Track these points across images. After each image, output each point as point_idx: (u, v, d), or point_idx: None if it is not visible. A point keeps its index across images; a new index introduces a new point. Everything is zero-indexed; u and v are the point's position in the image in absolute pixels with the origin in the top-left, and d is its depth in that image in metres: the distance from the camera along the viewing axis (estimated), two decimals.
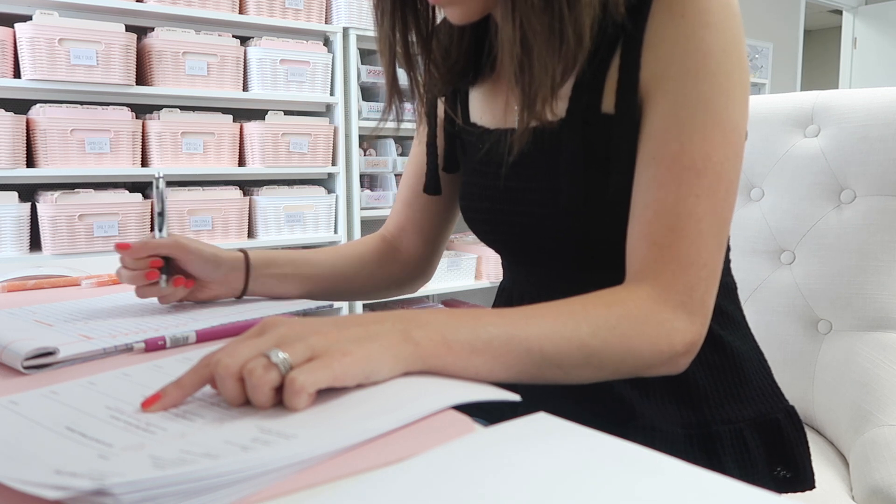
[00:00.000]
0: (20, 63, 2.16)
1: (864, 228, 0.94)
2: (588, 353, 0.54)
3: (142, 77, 2.38)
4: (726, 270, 0.76)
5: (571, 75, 0.66)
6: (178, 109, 2.41)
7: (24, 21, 2.13)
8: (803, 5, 5.40)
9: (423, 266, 0.93)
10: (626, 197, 0.64)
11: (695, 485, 0.33)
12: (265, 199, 2.59)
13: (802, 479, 0.72)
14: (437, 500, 0.32)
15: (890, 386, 0.88)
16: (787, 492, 0.72)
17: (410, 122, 0.80)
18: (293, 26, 2.63)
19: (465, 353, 0.49)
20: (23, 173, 2.15)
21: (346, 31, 2.75)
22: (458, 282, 3.02)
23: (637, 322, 0.57)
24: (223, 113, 2.52)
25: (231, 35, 2.52)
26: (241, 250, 0.77)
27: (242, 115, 2.66)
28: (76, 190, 2.23)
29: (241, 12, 2.56)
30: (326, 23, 2.76)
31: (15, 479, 0.33)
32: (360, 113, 2.78)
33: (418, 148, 0.89)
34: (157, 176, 0.73)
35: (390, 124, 0.75)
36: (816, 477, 0.74)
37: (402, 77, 0.74)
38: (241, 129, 2.58)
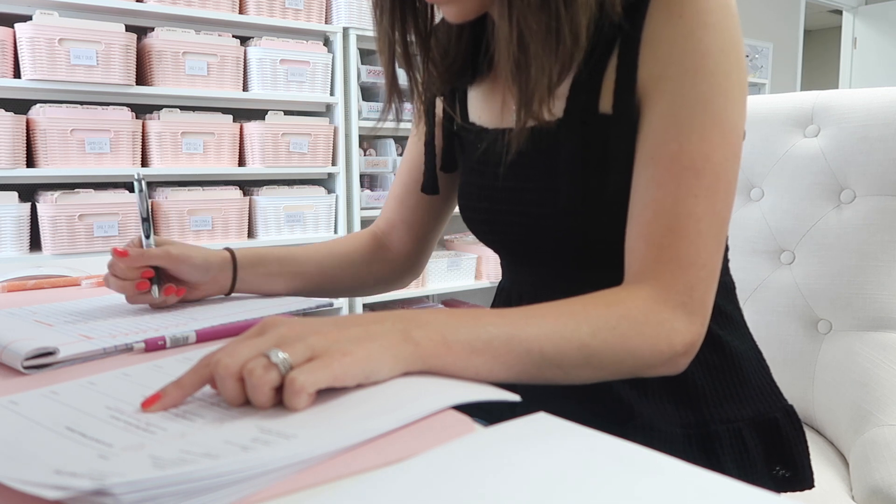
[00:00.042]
0: (20, 63, 2.16)
1: (864, 228, 0.94)
2: (588, 354, 0.54)
3: (142, 77, 2.38)
4: (725, 270, 0.76)
5: (569, 75, 0.66)
6: (178, 109, 2.41)
7: (24, 21, 2.13)
8: (803, 5, 5.40)
9: (411, 264, 0.93)
10: (625, 197, 0.64)
11: (694, 484, 0.33)
12: (265, 199, 2.59)
13: (801, 479, 0.72)
14: (437, 500, 0.32)
15: (890, 386, 0.88)
16: (786, 491, 0.72)
17: (409, 121, 0.80)
18: (293, 26, 2.63)
19: (465, 353, 0.49)
20: (23, 173, 2.15)
21: (346, 31, 2.75)
22: (458, 282, 3.02)
23: (637, 322, 0.57)
24: (223, 113, 2.52)
25: (231, 35, 2.52)
26: (228, 250, 0.78)
27: (242, 115, 2.66)
28: (76, 190, 2.23)
29: (241, 12, 2.56)
30: (326, 23, 2.77)
31: (15, 479, 0.33)
32: (360, 113, 2.78)
33: (414, 146, 0.89)
34: (136, 177, 0.72)
35: (389, 123, 0.75)
36: (816, 477, 0.74)
37: (402, 76, 0.74)
38: (241, 129, 2.58)
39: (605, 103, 0.65)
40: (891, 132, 0.93)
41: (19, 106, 2.19)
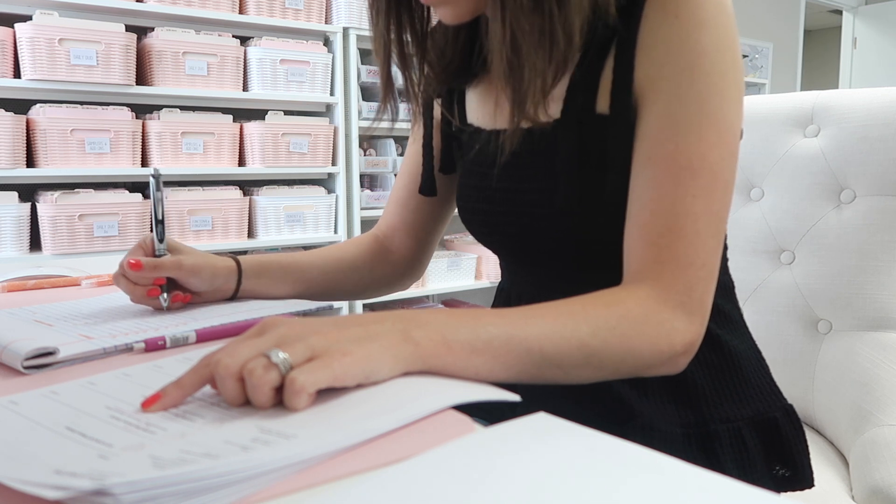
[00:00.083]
0: (20, 63, 2.16)
1: (864, 228, 0.94)
2: (588, 353, 0.54)
3: (142, 77, 2.38)
4: (724, 269, 0.76)
5: (566, 76, 0.66)
6: (178, 109, 2.41)
7: (24, 21, 2.13)
8: (803, 5, 5.40)
9: (413, 266, 0.93)
10: (622, 197, 0.64)
11: (694, 484, 0.33)
12: (265, 199, 2.59)
13: (801, 478, 0.72)
14: (437, 500, 0.32)
15: (890, 386, 0.88)
16: (786, 490, 0.72)
17: (406, 121, 0.80)
18: (293, 26, 2.63)
19: (465, 353, 0.49)
20: (23, 173, 2.15)
21: (346, 31, 2.76)
22: (458, 282, 3.02)
23: (637, 322, 0.57)
24: (223, 113, 2.52)
25: (231, 35, 2.52)
26: (234, 258, 0.78)
27: (242, 115, 2.66)
28: (76, 190, 2.23)
29: (241, 12, 2.56)
30: (326, 23, 2.77)
31: (15, 479, 0.33)
32: (360, 113, 2.78)
33: (414, 148, 0.89)
34: (153, 175, 0.72)
35: (385, 124, 0.76)
36: (816, 477, 0.74)
37: (398, 77, 0.74)
38: (241, 129, 2.58)
39: (602, 104, 0.65)
40: (891, 132, 0.93)
41: (19, 106, 2.19)
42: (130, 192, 2.34)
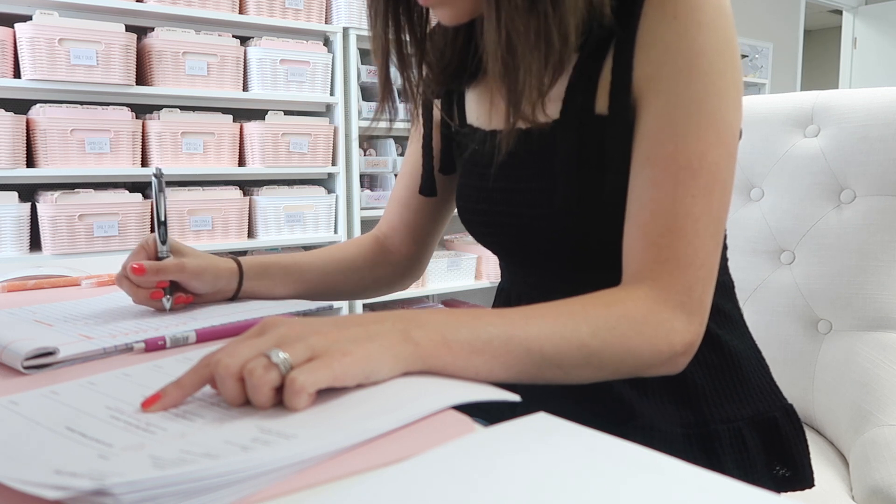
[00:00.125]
0: (20, 63, 2.16)
1: (864, 228, 0.94)
2: (588, 354, 0.54)
3: (142, 77, 2.38)
4: (723, 269, 0.76)
5: (564, 77, 0.66)
6: (178, 109, 2.41)
7: (24, 21, 2.13)
8: (803, 5, 5.40)
9: (413, 266, 0.94)
10: (621, 197, 0.64)
11: (694, 484, 0.33)
12: (265, 199, 2.59)
13: (801, 478, 0.72)
14: (437, 500, 0.32)
15: (890, 386, 0.88)
16: (786, 490, 0.72)
17: (406, 121, 0.80)
18: (293, 26, 2.63)
19: (465, 353, 0.49)
20: (23, 173, 2.15)
21: (346, 31, 2.76)
22: (458, 282, 3.02)
23: (636, 322, 0.57)
24: (223, 113, 2.52)
25: (231, 35, 2.52)
26: (236, 260, 0.78)
27: (242, 115, 2.66)
28: (76, 190, 2.23)
29: (241, 12, 2.56)
30: (326, 23, 2.77)
31: (15, 479, 0.33)
32: (360, 113, 2.78)
33: (414, 148, 0.89)
34: (155, 174, 0.71)
35: (384, 124, 0.76)
36: (816, 477, 0.74)
37: (397, 78, 0.74)
38: (241, 129, 2.58)
39: (601, 104, 0.65)
40: (891, 132, 0.93)
41: (19, 106, 2.19)
42: (130, 192, 2.34)
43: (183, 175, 2.46)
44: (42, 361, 0.56)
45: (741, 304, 0.80)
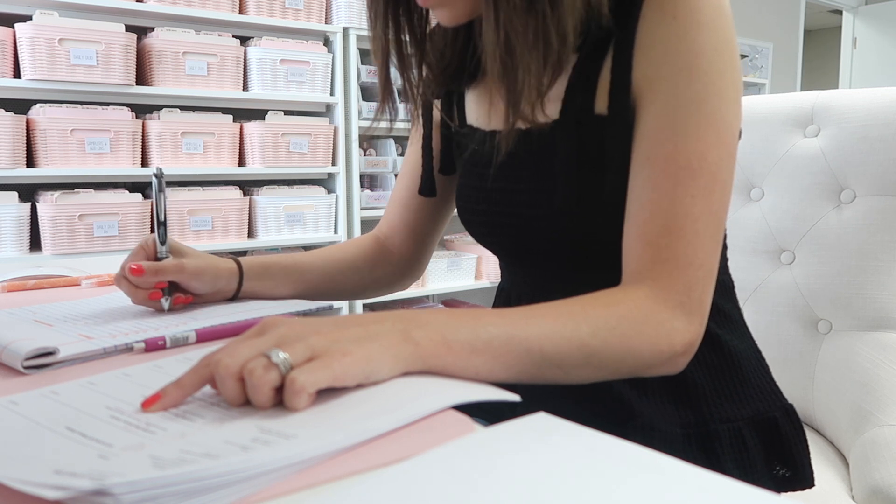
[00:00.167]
0: (20, 63, 2.16)
1: (864, 228, 0.94)
2: (588, 354, 0.54)
3: (142, 77, 2.38)
4: (723, 269, 0.76)
5: (564, 77, 0.66)
6: (178, 109, 2.41)
7: (24, 21, 2.13)
8: (803, 5, 5.40)
9: (412, 266, 0.94)
10: (620, 197, 0.64)
11: (694, 484, 0.33)
12: (265, 199, 2.59)
13: (801, 478, 0.72)
14: (437, 500, 0.32)
15: (890, 386, 0.88)
16: (786, 490, 0.72)
17: (406, 121, 0.80)
18: (293, 26, 2.63)
19: (465, 353, 0.49)
20: (23, 173, 2.15)
21: (346, 31, 2.76)
22: (458, 282, 3.02)
23: (636, 322, 0.57)
24: (223, 113, 2.52)
25: (231, 35, 2.52)
26: (236, 260, 0.78)
27: (242, 115, 2.66)
28: (76, 190, 2.23)
29: (241, 12, 2.56)
30: (326, 23, 2.77)
31: (15, 479, 0.33)
32: (360, 113, 2.78)
33: (414, 149, 0.89)
34: (156, 174, 0.71)
35: (384, 124, 0.76)
36: (816, 477, 0.74)
37: (397, 78, 0.74)
38: (241, 129, 2.58)
39: (601, 104, 0.65)
40: (891, 132, 0.93)
41: (19, 106, 2.20)
42: (130, 192, 2.34)
43: (183, 175, 2.46)
44: (42, 361, 0.56)
45: (741, 304, 0.80)
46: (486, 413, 0.66)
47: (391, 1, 0.70)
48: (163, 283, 0.71)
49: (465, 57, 0.77)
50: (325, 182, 2.85)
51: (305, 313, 0.75)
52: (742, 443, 0.69)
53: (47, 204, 2.18)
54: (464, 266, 3.03)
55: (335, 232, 2.78)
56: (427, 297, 3.19)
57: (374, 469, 0.36)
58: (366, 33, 0.73)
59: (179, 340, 0.61)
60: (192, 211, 2.43)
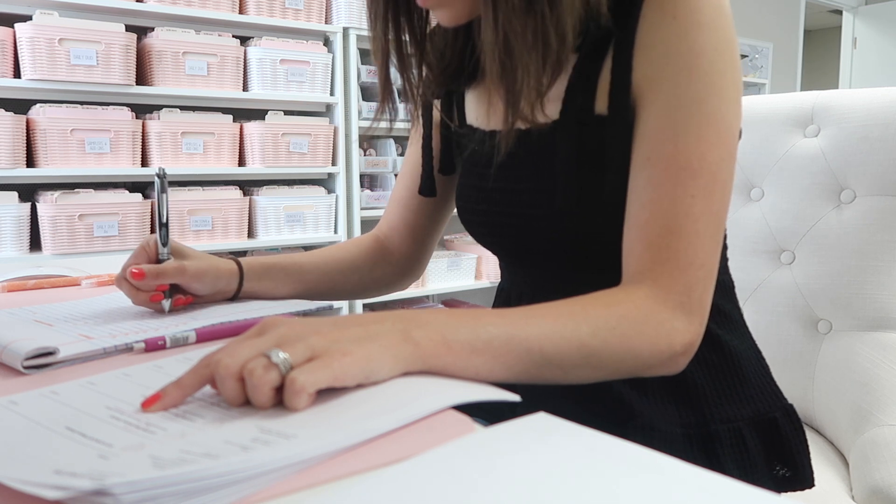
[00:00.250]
0: (20, 63, 2.16)
1: (864, 228, 0.94)
2: (588, 354, 0.54)
3: (142, 77, 2.38)
4: (723, 269, 0.76)
5: (564, 77, 0.66)
6: (178, 109, 2.41)
7: (24, 21, 2.13)
8: (803, 5, 5.40)
9: (412, 266, 0.94)
10: (621, 197, 0.64)
11: (694, 484, 0.33)
12: (265, 199, 2.59)
13: (802, 478, 0.72)
14: (437, 500, 0.32)
15: (890, 386, 0.88)
16: (786, 491, 0.72)
17: (406, 121, 0.80)
18: (293, 26, 2.63)
19: (465, 353, 0.49)
20: (23, 173, 2.15)
21: (346, 31, 2.76)
22: (458, 282, 3.02)
23: (636, 322, 0.57)
24: (223, 113, 2.52)
25: (231, 35, 2.52)
26: (236, 261, 0.78)
27: (242, 115, 2.66)
28: (76, 190, 2.23)
29: (241, 12, 2.56)
30: (326, 23, 2.77)
31: (15, 479, 0.33)
32: (360, 113, 2.78)
33: (414, 149, 0.89)
34: (158, 174, 0.70)
35: (384, 124, 0.76)
36: (816, 477, 0.74)
37: (397, 78, 0.74)
38: (241, 129, 2.58)
39: (601, 104, 0.65)
40: (891, 132, 0.93)
41: (19, 106, 2.19)
42: (130, 192, 2.34)
43: (183, 175, 2.46)
44: (42, 361, 0.56)
45: (741, 304, 0.80)
46: (486, 413, 0.66)
47: (391, 1, 0.70)
48: (164, 286, 0.71)
49: (464, 57, 0.77)
50: (325, 182, 2.85)
51: (305, 313, 0.75)
52: (742, 443, 0.69)
53: (47, 204, 2.18)
54: (464, 266, 3.03)
55: (335, 232, 2.78)
56: (427, 297, 3.19)
57: (374, 469, 0.36)
58: (366, 33, 0.73)
59: (179, 340, 0.61)
60: (192, 211, 2.43)
